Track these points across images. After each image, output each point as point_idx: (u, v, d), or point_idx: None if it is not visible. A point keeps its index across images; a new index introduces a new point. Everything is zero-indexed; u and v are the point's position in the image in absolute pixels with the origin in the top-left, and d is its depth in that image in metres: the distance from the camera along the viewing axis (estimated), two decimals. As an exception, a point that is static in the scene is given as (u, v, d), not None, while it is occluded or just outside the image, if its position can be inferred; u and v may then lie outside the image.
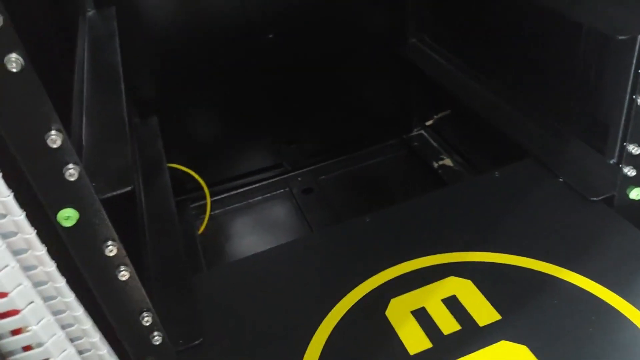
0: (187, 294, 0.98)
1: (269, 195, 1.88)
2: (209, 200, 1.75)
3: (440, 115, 1.83)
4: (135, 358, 0.80)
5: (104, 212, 0.67)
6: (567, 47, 1.06)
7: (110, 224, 0.68)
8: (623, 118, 0.98)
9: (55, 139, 0.58)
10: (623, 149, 0.99)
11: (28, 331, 0.50)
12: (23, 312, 0.49)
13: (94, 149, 0.80)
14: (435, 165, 1.82)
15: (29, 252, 0.53)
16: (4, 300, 0.47)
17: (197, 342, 0.90)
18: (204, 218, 1.72)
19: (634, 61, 0.91)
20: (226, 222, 1.81)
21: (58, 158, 0.60)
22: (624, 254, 0.95)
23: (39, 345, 0.53)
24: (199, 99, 1.67)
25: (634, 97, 0.94)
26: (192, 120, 1.71)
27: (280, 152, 1.86)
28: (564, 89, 1.13)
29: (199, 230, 1.68)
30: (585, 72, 1.04)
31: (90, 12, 1.25)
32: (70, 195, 0.63)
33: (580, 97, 1.09)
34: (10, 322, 0.48)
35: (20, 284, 0.50)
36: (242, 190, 1.88)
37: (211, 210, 1.77)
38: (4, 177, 0.55)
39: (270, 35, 1.61)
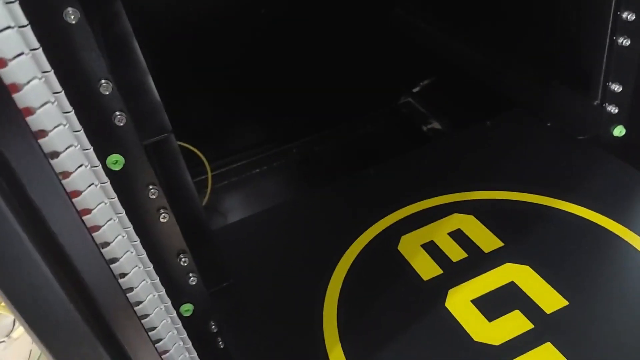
0: (211, 243, 1.05)
1: (266, 167, 1.93)
2: (209, 174, 1.81)
3: (426, 81, 1.91)
4: (172, 297, 0.86)
5: (146, 157, 0.73)
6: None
7: (151, 169, 0.74)
8: (605, 59, 1.05)
9: (106, 86, 0.64)
10: (606, 88, 1.08)
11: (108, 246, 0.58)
12: (103, 228, 0.57)
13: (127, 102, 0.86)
14: (425, 129, 1.90)
15: (98, 184, 0.60)
16: (88, 216, 0.55)
17: (225, 284, 0.97)
18: (204, 192, 1.78)
19: (613, 3, 0.99)
20: (226, 196, 1.87)
21: (108, 105, 0.66)
22: (612, 183, 1.04)
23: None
24: (194, 75, 1.72)
25: (614, 37, 1.02)
26: (188, 96, 1.76)
27: (275, 124, 1.92)
28: (547, 37, 1.20)
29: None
30: (567, 18, 1.12)
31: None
32: (118, 140, 0.69)
33: (563, 43, 1.16)
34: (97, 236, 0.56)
35: (102, 202, 0.58)
36: (239, 164, 1.93)
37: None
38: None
39: (262, 11, 1.67)
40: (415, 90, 2.00)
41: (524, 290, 0.89)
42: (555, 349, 0.81)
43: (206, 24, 1.62)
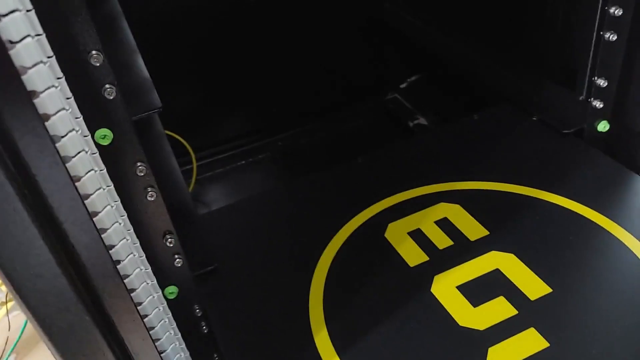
0: (197, 228, 1.05)
1: (251, 159, 1.93)
2: (195, 164, 1.80)
3: (414, 77, 1.92)
4: (158, 278, 0.86)
5: (134, 134, 0.73)
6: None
7: (140, 146, 0.74)
8: (591, 54, 1.07)
9: (97, 57, 0.64)
10: (592, 83, 1.09)
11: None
12: (92, 196, 0.57)
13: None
14: (411, 124, 1.91)
15: (89, 151, 0.59)
16: (78, 183, 0.55)
17: (210, 267, 0.97)
18: (189, 183, 1.77)
19: (600, -2, 1.01)
20: (210, 187, 1.86)
21: (98, 76, 0.65)
22: (595, 176, 1.05)
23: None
24: (181, 66, 1.72)
25: (601, 33, 1.03)
26: (174, 85, 1.75)
27: (261, 117, 1.91)
28: (534, 31, 1.21)
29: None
30: (554, 13, 1.13)
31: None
32: (107, 114, 0.68)
33: (550, 37, 1.17)
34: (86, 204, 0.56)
35: (92, 170, 0.57)
36: (224, 155, 1.93)
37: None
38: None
39: (252, 1, 1.67)
40: (402, 86, 2.00)
41: (509, 277, 0.89)
42: (538, 334, 0.81)
43: (193, 14, 1.62)
